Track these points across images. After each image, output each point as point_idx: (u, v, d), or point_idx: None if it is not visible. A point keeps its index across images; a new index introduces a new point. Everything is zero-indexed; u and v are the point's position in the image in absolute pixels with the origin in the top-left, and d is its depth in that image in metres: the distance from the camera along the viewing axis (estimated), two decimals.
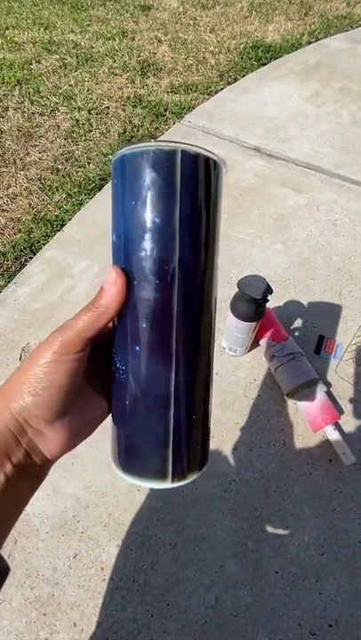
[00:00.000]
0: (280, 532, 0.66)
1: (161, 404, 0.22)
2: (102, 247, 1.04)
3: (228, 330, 0.78)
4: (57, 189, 1.22)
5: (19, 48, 1.83)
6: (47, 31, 1.96)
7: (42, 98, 1.55)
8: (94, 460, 0.72)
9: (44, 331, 0.88)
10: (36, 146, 1.37)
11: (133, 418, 0.23)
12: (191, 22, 2.12)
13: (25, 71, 1.69)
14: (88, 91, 1.60)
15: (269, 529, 0.66)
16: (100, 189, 1.22)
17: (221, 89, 1.63)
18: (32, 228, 1.11)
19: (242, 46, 1.90)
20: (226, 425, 0.76)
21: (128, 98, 1.57)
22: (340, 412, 0.78)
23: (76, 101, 1.54)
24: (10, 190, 1.21)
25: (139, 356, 0.22)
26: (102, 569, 0.63)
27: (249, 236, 1.08)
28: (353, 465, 0.71)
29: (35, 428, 0.23)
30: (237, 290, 0.68)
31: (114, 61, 1.77)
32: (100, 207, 1.15)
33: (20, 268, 1.02)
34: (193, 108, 1.52)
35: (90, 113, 1.50)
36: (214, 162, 0.22)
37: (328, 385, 0.82)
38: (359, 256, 1.04)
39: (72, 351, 0.22)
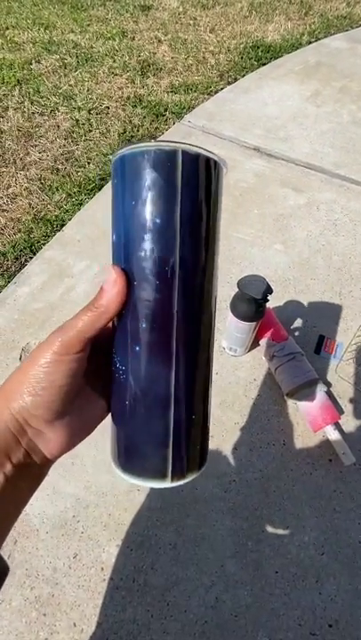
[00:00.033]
0: (280, 531, 0.66)
1: (161, 404, 0.22)
2: (102, 247, 1.04)
3: (228, 330, 0.78)
4: (57, 189, 1.22)
5: (19, 48, 1.83)
6: (47, 31, 1.96)
7: (42, 98, 1.55)
8: (94, 459, 0.72)
9: (43, 331, 0.88)
10: (36, 146, 1.37)
11: (133, 418, 0.23)
12: (191, 22, 2.12)
13: (25, 71, 1.69)
14: (88, 91, 1.60)
15: (269, 529, 0.66)
16: (100, 189, 1.22)
17: (221, 89, 1.63)
18: (32, 227, 1.11)
19: (242, 46, 1.90)
20: (226, 425, 0.76)
21: (128, 98, 1.57)
22: (341, 411, 0.78)
23: (76, 101, 1.54)
24: (10, 190, 1.21)
25: (139, 356, 0.22)
26: (102, 569, 0.63)
27: (249, 236, 1.08)
28: (353, 465, 0.71)
29: (35, 428, 0.23)
30: (237, 290, 0.68)
31: (114, 61, 1.77)
32: (100, 207, 1.15)
33: (20, 268, 1.02)
34: (193, 107, 1.52)
35: (90, 113, 1.50)
36: (215, 162, 0.22)
37: (328, 385, 0.82)
38: (359, 256, 1.04)
39: (72, 351, 0.22)
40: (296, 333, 0.89)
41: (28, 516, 0.67)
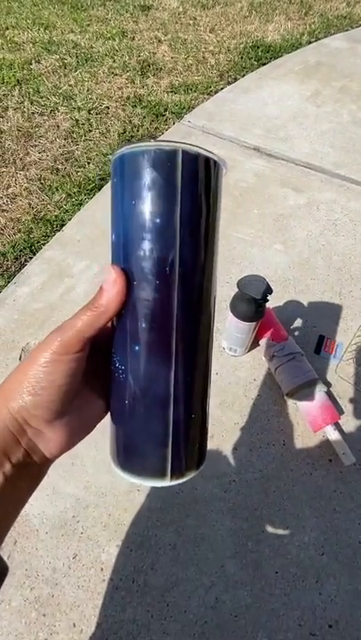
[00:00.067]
0: (280, 532, 0.66)
1: (160, 404, 0.22)
2: (102, 247, 1.04)
3: (228, 330, 0.78)
4: (57, 189, 1.22)
5: (18, 48, 1.83)
6: (47, 31, 1.96)
7: (42, 98, 1.55)
8: (94, 460, 0.72)
9: (43, 331, 0.88)
10: (35, 146, 1.37)
11: (133, 417, 0.23)
12: (191, 22, 2.12)
13: (25, 71, 1.69)
14: (88, 91, 1.60)
15: (269, 529, 0.66)
16: (99, 189, 1.22)
17: (221, 89, 1.63)
18: (32, 228, 1.11)
19: (242, 46, 1.90)
20: (226, 425, 0.76)
21: (128, 98, 1.57)
22: (341, 412, 0.78)
23: (75, 101, 1.54)
24: (10, 190, 1.21)
25: (138, 355, 0.22)
26: (102, 569, 0.63)
27: (249, 236, 1.08)
28: (353, 465, 0.71)
29: (34, 428, 0.23)
30: (237, 290, 0.68)
31: (114, 61, 1.77)
32: (100, 207, 1.15)
33: (20, 268, 1.02)
34: (193, 107, 1.52)
35: (90, 113, 1.50)
36: (214, 162, 0.22)
37: (328, 385, 0.82)
38: (359, 256, 1.04)
39: (71, 351, 0.22)
40: (296, 333, 0.89)
41: (28, 516, 0.67)
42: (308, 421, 0.74)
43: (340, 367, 0.84)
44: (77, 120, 1.46)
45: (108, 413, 0.25)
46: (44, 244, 1.06)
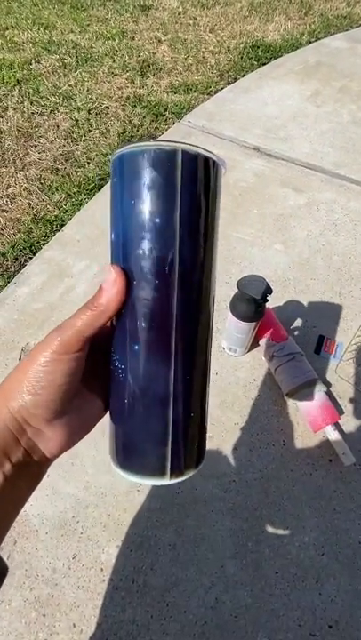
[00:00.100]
0: (280, 532, 0.66)
1: (160, 403, 0.22)
2: (102, 247, 1.04)
3: (228, 330, 0.78)
4: (56, 189, 1.22)
5: (18, 48, 1.83)
6: (47, 31, 1.96)
7: (41, 98, 1.55)
8: (94, 460, 0.72)
9: (43, 331, 0.88)
10: (35, 146, 1.37)
11: (132, 416, 0.23)
12: (191, 22, 2.12)
13: (25, 71, 1.69)
14: (88, 91, 1.60)
15: (269, 529, 0.66)
16: (99, 189, 1.22)
17: (221, 89, 1.63)
18: (32, 228, 1.11)
19: (242, 46, 1.90)
20: (226, 425, 0.76)
21: (128, 98, 1.57)
22: (341, 412, 0.78)
23: (75, 101, 1.54)
24: (9, 190, 1.21)
25: (138, 355, 0.22)
26: (102, 569, 0.63)
27: (249, 236, 1.08)
28: (353, 465, 0.71)
29: (34, 428, 0.23)
30: (237, 290, 0.68)
31: (113, 61, 1.77)
32: (100, 207, 1.15)
33: (20, 269, 1.02)
34: (193, 107, 1.52)
35: (89, 113, 1.50)
36: (214, 162, 0.22)
37: (328, 385, 0.82)
38: (359, 256, 1.04)
39: (71, 350, 0.22)
40: (296, 333, 0.89)
41: (28, 516, 0.67)
42: (308, 421, 0.74)
43: (340, 367, 0.84)
44: (77, 120, 1.46)
45: (108, 413, 0.25)
46: (43, 244, 1.06)
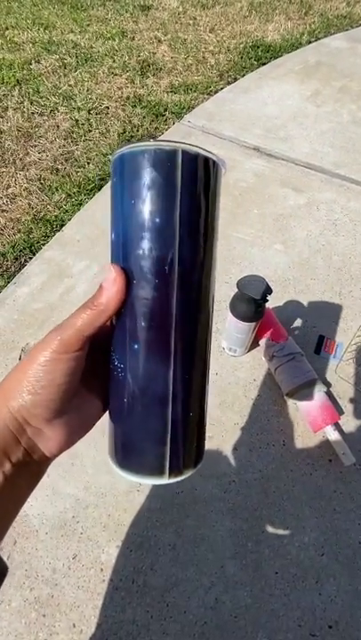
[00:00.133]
0: (280, 532, 0.66)
1: (159, 402, 0.22)
2: (102, 247, 1.04)
3: (228, 330, 0.78)
4: (56, 189, 1.22)
5: (18, 48, 1.83)
6: (47, 31, 1.96)
7: (41, 98, 1.55)
8: (94, 460, 0.72)
9: (43, 331, 0.88)
10: (35, 146, 1.37)
11: (131, 415, 0.23)
12: (191, 22, 2.12)
13: (24, 71, 1.69)
14: (88, 91, 1.60)
15: (269, 529, 0.66)
16: (99, 189, 1.22)
17: (221, 89, 1.63)
18: (32, 228, 1.11)
19: (242, 46, 1.90)
20: (226, 425, 0.76)
21: (128, 98, 1.57)
22: (341, 412, 0.78)
23: (75, 101, 1.54)
24: (9, 190, 1.21)
25: (137, 354, 0.22)
26: (102, 570, 0.63)
27: (249, 236, 1.08)
28: (353, 465, 0.71)
29: (34, 427, 0.23)
30: (237, 290, 0.68)
31: (113, 61, 1.77)
32: (100, 207, 1.15)
33: (20, 269, 1.02)
34: (193, 107, 1.52)
35: (89, 113, 1.50)
36: (213, 162, 0.22)
37: (328, 385, 0.82)
38: (359, 256, 1.04)
39: (71, 350, 0.22)
40: (296, 333, 0.89)
41: (28, 516, 0.67)
42: (308, 421, 0.74)
43: (340, 367, 0.84)
44: (77, 120, 1.46)
45: (107, 412, 0.25)
46: (43, 245, 1.06)
